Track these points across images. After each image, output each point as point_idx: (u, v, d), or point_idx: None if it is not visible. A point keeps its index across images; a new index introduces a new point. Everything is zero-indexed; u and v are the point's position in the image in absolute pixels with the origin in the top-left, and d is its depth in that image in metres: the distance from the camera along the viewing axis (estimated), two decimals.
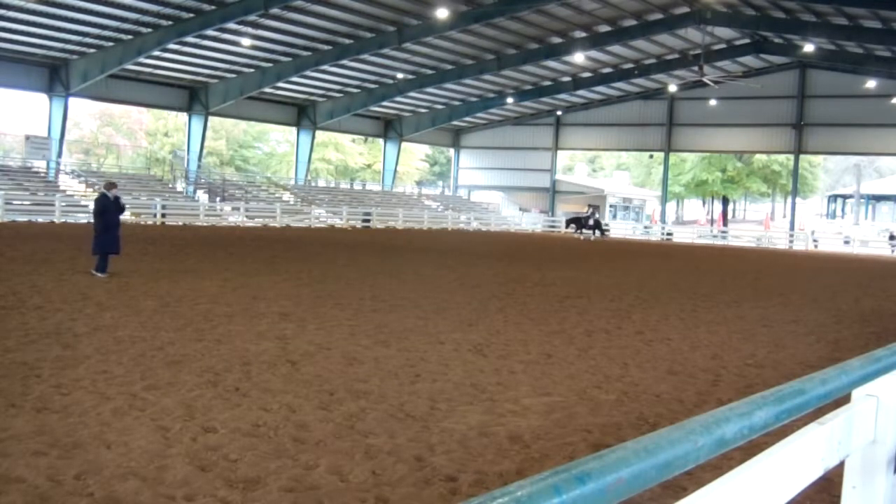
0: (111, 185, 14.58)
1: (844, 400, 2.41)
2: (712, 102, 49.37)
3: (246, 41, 36.38)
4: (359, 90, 47.51)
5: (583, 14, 36.74)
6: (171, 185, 44.09)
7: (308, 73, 41.28)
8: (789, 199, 61.81)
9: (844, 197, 68.51)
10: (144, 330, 8.91)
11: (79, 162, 50.01)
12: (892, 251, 45.16)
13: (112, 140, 62.21)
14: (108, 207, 14.05)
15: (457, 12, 33.99)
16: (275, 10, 32.24)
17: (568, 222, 47.35)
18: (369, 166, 71.29)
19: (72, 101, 39.20)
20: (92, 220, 14.72)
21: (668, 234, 53.02)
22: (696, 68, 39.74)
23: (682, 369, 8.26)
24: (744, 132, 51.22)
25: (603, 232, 45.35)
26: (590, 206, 50.23)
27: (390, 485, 4.53)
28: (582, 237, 44.26)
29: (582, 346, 9.33)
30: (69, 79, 36.82)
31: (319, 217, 44.15)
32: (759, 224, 65.59)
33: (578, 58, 42.20)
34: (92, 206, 14.84)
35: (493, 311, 11.89)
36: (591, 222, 44.83)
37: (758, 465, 1.87)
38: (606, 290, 15.69)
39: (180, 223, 36.06)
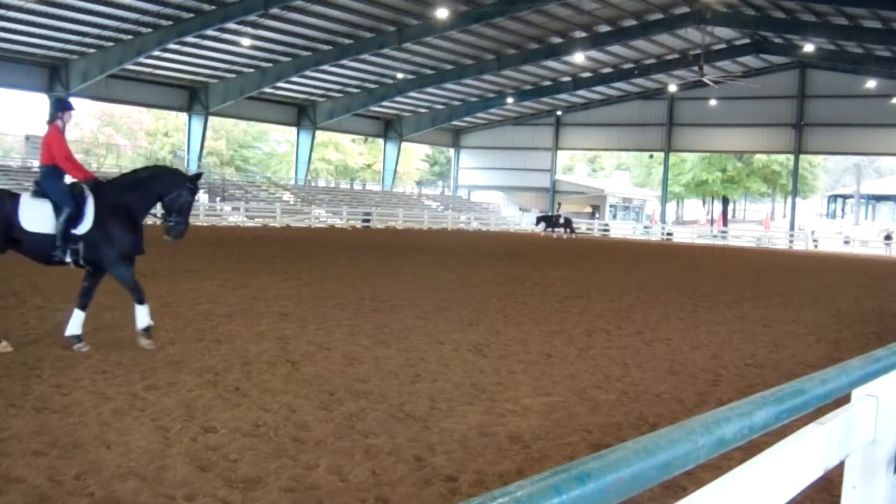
0: None
1: (844, 400, 2.41)
2: (712, 102, 49.37)
3: (246, 41, 36.40)
4: (359, 90, 47.52)
5: (583, 14, 36.76)
6: None
7: (308, 73, 41.30)
8: (789, 199, 61.83)
9: (844, 197, 68.52)
10: None
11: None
12: (887, 250, 45.18)
13: (112, 140, 62.18)
14: None
15: (457, 12, 34.00)
16: (275, 10, 32.26)
17: (538, 220, 47.34)
18: (369, 166, 71.28)
19: (72, 101, 39.16)
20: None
21: (668, 234, 53.03)
22: (696, 68, 39.77)
23: (682, 369, 8.26)
24: (744, 132, 51.23)
25: (573, 230, 45.29)
26: (560, 205, 50.29)
27: (390, 485, 4.53)
28: (544, 234, 44.21)
29: (582, 346, 9.33)
30: (69, 79, 36.83)
31: (319, 217, 44.16)
32: (759, 224, 65.60)
33: (578, 58, 42.22)
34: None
35: (493, 311, 11.89)
36: (561, 220, 44.89)
37: (758, 465, 1.87)
38: (606, 290, 15.69)
39: None
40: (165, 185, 8.02)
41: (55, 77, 37.10)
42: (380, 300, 12.40)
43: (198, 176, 8.43)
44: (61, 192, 7.57)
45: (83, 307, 7.75)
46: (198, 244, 23.72)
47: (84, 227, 7.48)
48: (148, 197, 8.01)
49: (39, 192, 7.58)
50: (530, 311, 12.03)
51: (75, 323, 7.68)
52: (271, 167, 69.42)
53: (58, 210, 7.44)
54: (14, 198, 7.50)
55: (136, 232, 7.84)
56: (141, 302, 7.80)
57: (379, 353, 8.21)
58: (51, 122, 7.80)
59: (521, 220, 57.70)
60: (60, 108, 7.97)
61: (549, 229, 44.91)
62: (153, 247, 16.95)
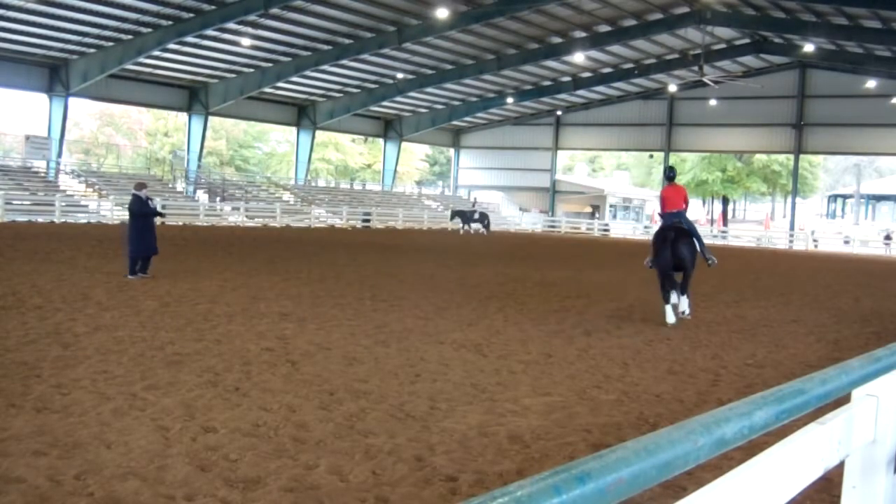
0: (142, 186, 14.70)
1: (844, 400, 2.41)
2: (712, 102, 49.35)
3: (246, 41, 36.38)
4: (359, 90, 47.50)
5: (583, 14, 36.74)
6: (171, 185, 44.09)
7: (308, 73, 41.28)
8: (789, 199, 61.80)
9: (844, 197, 68.53)
10: (144, 330, 8.91)
11: (79, 162, 49.99)
12: (887, 250, 45.18)
13: (112, 140, 62.15)
14: (144, 208, 14.20)
15: (457, 12, 33.99)
16: (275, 10, 32.24)
17: (453, 215, 45.80)
18: (369, 166, 71.28)
19: (72, 101, 39.19)
20: (129, 222, 14.54)
21: None
22: (696, 68, 39.74)
23: (682, 369, 8.26)
24: (744, 132, 51.22)
25: (488, 227, 44.19)
26: (476, 200, 49.64)
27: (390, 485, 4.53)
28: (463, 231, 43.32)
29: (582, 346, 9.33)
30: (69, 79, 36.81)
31: (319, 217, 44.14)
32: (759, 224, 65.58)
33: (578, 58, 42.19)
34: (128, 208, 14.80)
35: (493, 311, 11.89)
36: (476, 216, 44.01)
37: (758, 465, 1.87)
38: (606, 290, 15.69)
39: (180, 223, 36.06)
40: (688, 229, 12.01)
41: (55, 77, 37.08)
42: (380, 300, 12.40)
43: None
44: (696, 228, 12.25)
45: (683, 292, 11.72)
46: (198, 244, 23.73)
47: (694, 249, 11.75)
48: None
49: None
50: (530, 311, 12.03)
51: (678, 303, 11.63)
52: (271, 167, 69.40)
53: (697, 238, 11.85)
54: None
55: None
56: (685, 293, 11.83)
57: (379, 353, 8.21)
58: (671, 182, 11.90)
59: (520, 220, 57.69)
60: (674, 174, 12.17)
61: (465, 225, 43.69)
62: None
